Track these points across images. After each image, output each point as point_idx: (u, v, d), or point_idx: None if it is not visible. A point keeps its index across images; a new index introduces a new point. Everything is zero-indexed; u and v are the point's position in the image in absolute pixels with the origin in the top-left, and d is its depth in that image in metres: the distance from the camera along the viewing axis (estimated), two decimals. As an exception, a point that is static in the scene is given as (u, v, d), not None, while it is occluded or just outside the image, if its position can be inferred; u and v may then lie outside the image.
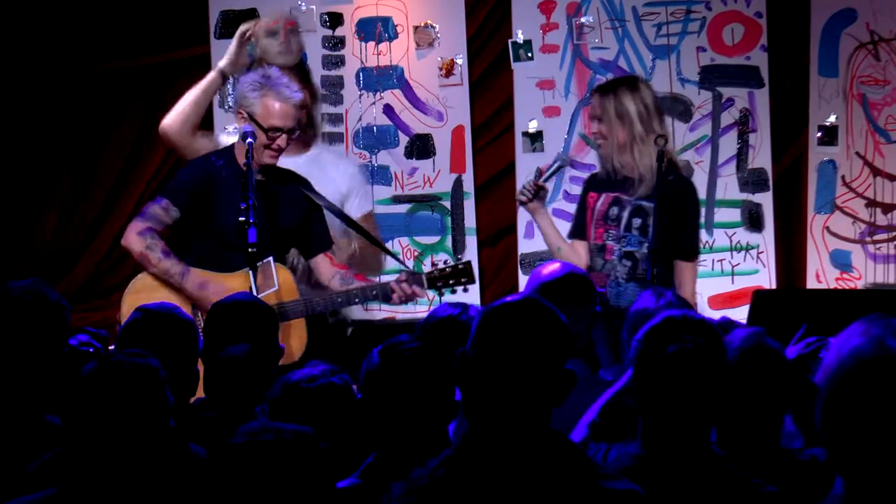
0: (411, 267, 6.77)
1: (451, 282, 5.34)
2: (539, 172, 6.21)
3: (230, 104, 5.36)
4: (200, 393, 4.00)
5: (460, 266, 5.37)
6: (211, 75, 5.75)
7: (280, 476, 2.38)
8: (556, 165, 5.59)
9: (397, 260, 5.67)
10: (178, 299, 5.05)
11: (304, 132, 5.61)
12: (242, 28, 5.75)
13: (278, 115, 5.26)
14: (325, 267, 5.49)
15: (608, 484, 2.49)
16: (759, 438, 3.30)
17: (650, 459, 2.96)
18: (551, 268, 4.31)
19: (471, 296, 6.77)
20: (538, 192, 5.47)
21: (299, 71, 5.70)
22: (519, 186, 7.02)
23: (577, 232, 5.55)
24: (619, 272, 5.39)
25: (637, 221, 5.35)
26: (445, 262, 5.48)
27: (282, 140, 5.25)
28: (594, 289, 4.29)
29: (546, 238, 5.57)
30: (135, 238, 5.24)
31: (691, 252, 5.41)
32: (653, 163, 5.27)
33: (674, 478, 2.92)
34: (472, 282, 5.40)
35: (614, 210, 5.40)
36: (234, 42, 5.72)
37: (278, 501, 2.36)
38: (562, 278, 4.23)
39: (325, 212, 5.46)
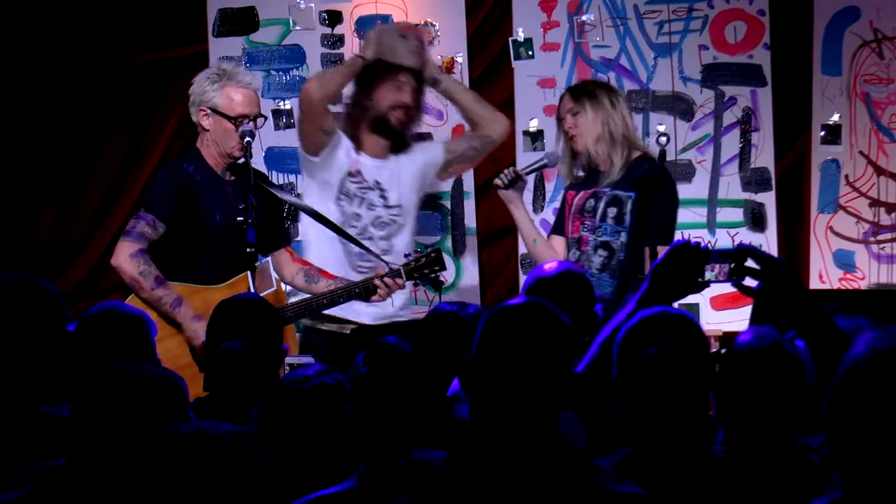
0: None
1: (425, 271, 5.32)
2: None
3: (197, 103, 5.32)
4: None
5: (432, 254, 5.35)
6: (352, 58, 5.78)
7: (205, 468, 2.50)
8: (541, 162, 5.63)
9: (375, 255, 5.47)
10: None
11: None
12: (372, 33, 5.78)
13: (242, 102, 5.25)
14: (286, 262, 5.45)
15: (613, 487, 2.48)
16: (774, 438, 3.27)
17: (639, 461, 2.90)
18: (549, 265, 4.25)
19: (471, 295, 6.78)
20: (515, 182, 5.50)
21: (415, 75, 5.63)
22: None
23: (556, 229, 5.62)
24: (593, 262, 5.40)
25: (612, 211, 5.40)
26: (417, 252, 5.41)
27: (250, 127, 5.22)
28: (591, 289, 4.20)
29: (521, 229, 5.64)
30: (127, 260, 5.17)
31: (669, 237, 5.40)
32: (624, 153, 5.36)
33: (665, 479, 2.86)
34: (444, 268, 5.38)
35: (591, 202, 5.45)
36: (373, 35, 5.69)
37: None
38: (559, 275, 4.14)
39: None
